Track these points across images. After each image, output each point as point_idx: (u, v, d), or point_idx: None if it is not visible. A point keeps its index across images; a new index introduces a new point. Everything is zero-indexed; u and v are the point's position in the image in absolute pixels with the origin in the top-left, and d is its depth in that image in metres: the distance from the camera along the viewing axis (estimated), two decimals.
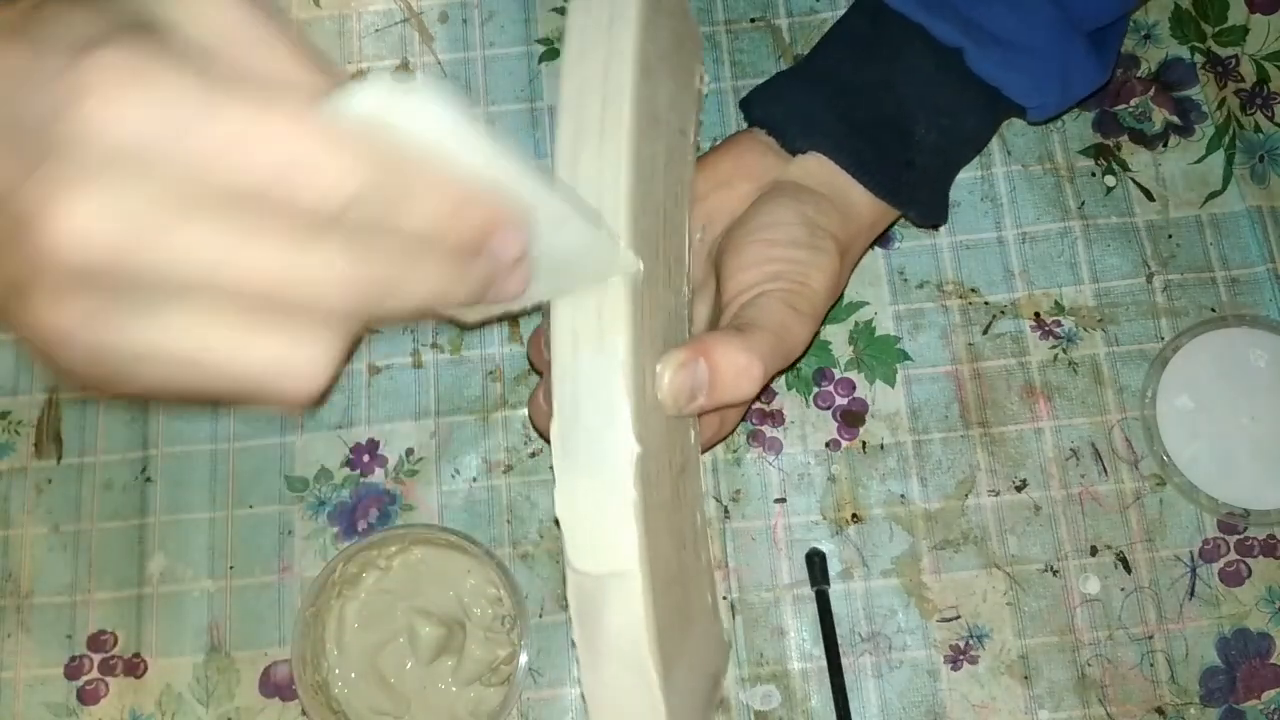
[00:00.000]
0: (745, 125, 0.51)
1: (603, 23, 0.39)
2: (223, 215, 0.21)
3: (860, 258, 0.52)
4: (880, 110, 0.48)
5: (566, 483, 0.35)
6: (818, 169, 0.48)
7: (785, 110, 0.49)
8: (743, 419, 0.53)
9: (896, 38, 0.48)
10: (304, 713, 0.49)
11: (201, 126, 0.20)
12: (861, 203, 0.48)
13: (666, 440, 0.41)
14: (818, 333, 0.47)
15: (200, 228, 0.21)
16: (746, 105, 0.51)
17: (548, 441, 0.51)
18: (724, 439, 0.51)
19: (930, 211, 0.51)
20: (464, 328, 0.52)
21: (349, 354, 0.24)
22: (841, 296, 0.54)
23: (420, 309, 0.25)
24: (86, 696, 0.50)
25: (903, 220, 0.53)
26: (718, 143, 0.50)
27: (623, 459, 0.35)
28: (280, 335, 0.22)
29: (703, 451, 0.51)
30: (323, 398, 0.28)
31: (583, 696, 0.40)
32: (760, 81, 0.50)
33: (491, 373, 0.54)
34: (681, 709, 0.38)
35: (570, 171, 0.37)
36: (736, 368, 0.41)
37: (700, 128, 0.55)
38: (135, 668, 0.50)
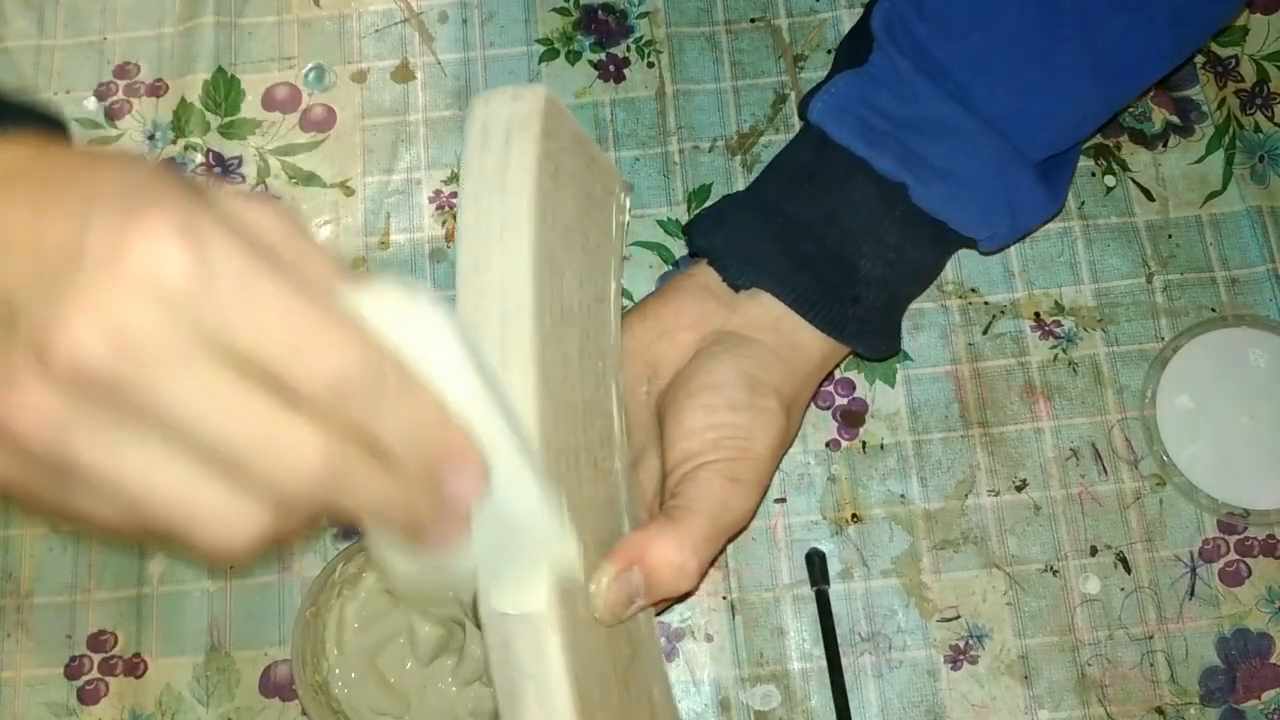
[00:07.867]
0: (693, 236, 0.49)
1: (494, 228, 0.36)
2: (221, 371, 0.23)
3: (813, 398, 0.50)
4: (824, 244, 0.47)
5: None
6: (760, 315, 0.46)
7: (727, 241, 0.47)
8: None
9: (840, 171, 0.47)
10: (304, 713, 0.49)
11: (232, 289, 0.22)
12: (810, 342, 0.46)
13: (608, 646, 0.39)
14: (766, 491, 0.46)
15: (197, 375, 0.22)
16: (689, 231, 0.49)
17: None
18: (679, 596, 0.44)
19: (880, 345, 0.49)
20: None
21: (297, 531, 0.25)
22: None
23: (362, 514, 0.26)
24: (86, 696, 0.50)
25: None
26: (659, 288, 0.48)
27: None
28: (226, 490, 0.23)
29: (658, 613, 0.48)
30: (251, 557, 0.28)
31: None
32: (756, 84, 0.49)
33: None
34: None
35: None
36: (671, 567, 0.40)
37: (623, 277, 0.48)
38: (135, 668, 0.50)
